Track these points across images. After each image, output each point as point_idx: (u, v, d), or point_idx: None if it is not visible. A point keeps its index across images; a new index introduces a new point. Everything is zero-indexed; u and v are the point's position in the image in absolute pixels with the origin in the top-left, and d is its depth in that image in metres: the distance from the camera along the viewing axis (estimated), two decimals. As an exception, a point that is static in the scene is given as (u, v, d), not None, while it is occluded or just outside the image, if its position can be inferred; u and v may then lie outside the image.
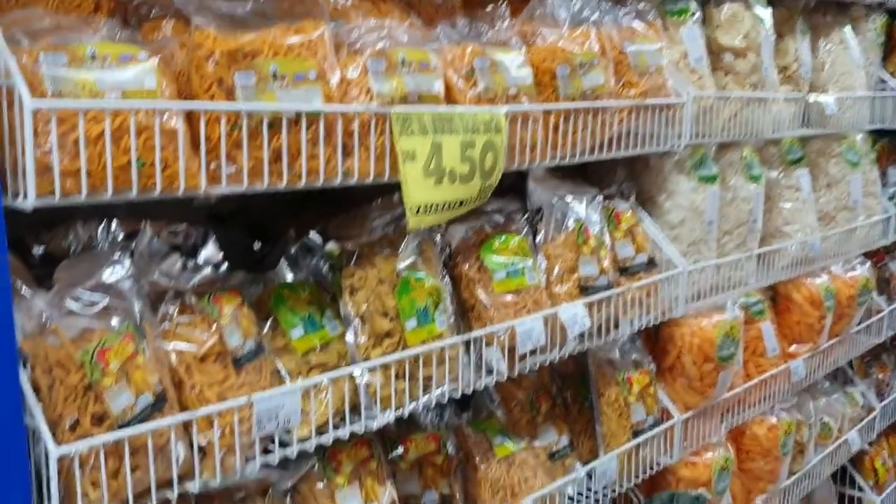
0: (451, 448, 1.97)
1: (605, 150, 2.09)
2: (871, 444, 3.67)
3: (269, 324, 1.61)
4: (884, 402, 3.66)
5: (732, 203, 2.62)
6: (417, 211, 1.57)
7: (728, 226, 2.61)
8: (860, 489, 3.66)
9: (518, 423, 2.19)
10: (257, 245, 1.87)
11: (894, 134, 3.70)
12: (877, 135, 3.59)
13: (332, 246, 1.65)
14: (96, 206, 1.45)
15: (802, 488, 3.09)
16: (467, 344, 1.82)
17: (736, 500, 2.75)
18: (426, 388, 1.71)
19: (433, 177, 1.59)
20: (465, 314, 1.90)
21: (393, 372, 1.63)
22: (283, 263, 1.75)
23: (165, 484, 1.32)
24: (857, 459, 3.71)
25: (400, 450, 1.90)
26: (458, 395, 1.78)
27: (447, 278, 1.85)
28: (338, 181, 1.49)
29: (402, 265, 1.69)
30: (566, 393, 2.38)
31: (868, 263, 3.33)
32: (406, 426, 1.99)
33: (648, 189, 2.47)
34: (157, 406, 1.29)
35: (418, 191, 1.57)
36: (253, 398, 1.38)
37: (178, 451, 1.32)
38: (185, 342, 1.41)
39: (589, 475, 2.17)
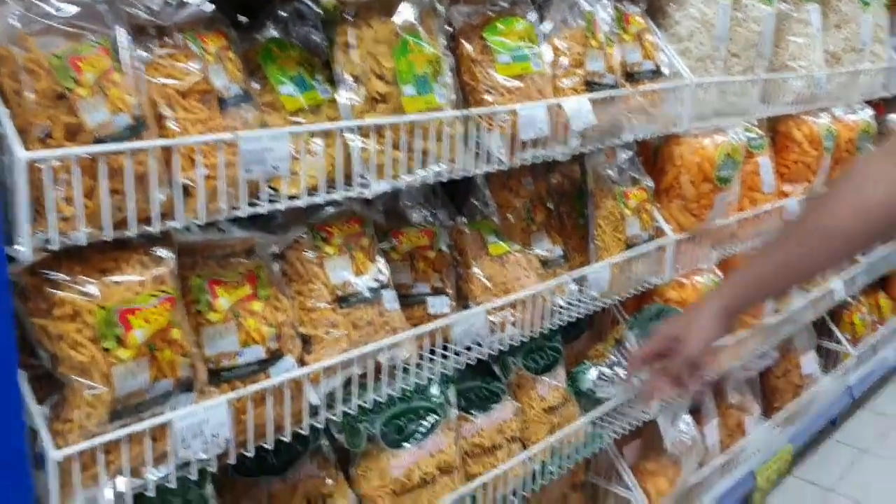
0: (443, 245, 1.91)
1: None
2: (852, 297, 3.68)
3: (256, 78, 1.50)
4: (869, 259, 3.64)
5: (743, 24, 2.49)
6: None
7: (737, 48, 2.49)
8: (837, 342, 3.70)
9: (512, 229, 2.12)
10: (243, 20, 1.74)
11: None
12: (890, -19, 3.44)
13: (326, -3, 1.52)
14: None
15: (785, 331, 3.10)
16: (467, 128, 1.73)
17: (721, 332, 2.74)
18: (423, 164, 1.62)
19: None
20: (466, 100, 1.80)
21: (388, 139, 1.53)
22: (271, 26, 1.62)
23: (146, 220, 1.23)
24: (837, 314, 3.74)
25: (392, 241, 1.83)
26: (456, 175, 1.69)
27: (449, 55, 1.73)
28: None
29: (400, 23, 1.56)
30: (562, 208, 2.31)
31: (870, 110, 3.24)
32: (398, 222, 1.92)
33: (659, -1, 2.34)
34: (137, 130, 1.19)
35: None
36: (239, 135, 1.28)
37: (159, 188, 1.22)
38: (166, 76, 1.29)
39: (580, 284, 2.12)
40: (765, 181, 2.75)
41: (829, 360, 3.69)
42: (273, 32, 1.59)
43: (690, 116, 2.29)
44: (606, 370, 2.25)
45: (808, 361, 3.42)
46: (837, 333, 3.71)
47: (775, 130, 2.96)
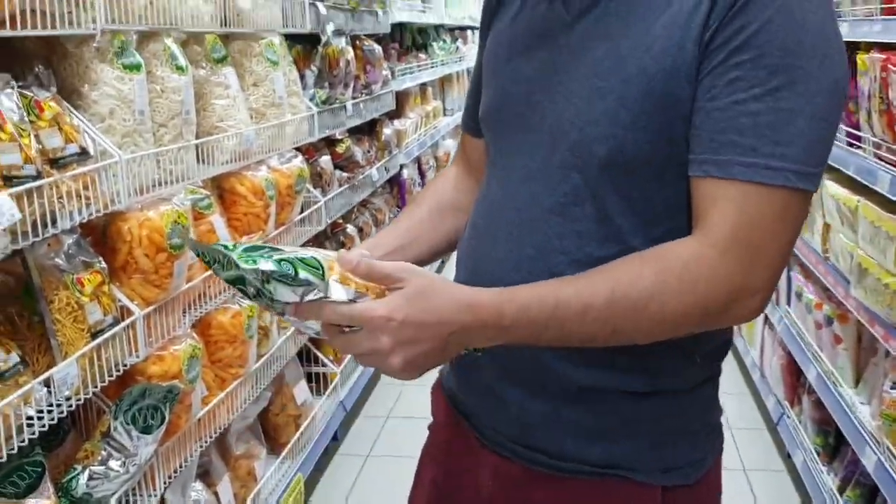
0: None
1: (11, 27, 1.86)
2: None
3: None
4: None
5: (163, 95, 2.57)
6: None
7: (162, 118, 2.57)
8: (323, 364, 4.04)
9: (-50, 349, 1.88)
10: None
11: (305, 40, 4.03)
12: (291, 41, 3.86)
13: None
14: None
15: (273, 370, 3.29)
16: None
17: (212, 391, 2.80)
18: None
19: None
20: None
21: None
22: None
23: None
24: (317, 340, 4.08)
25: None
26: None
27: None
28: None
29: None
30: (10, 310, 2.13)
31: (301, 157, 3.60)
32: None
33: (72, 81, 2.29)
34: None
35: None
36: None
37: None
38: None
39: (48, 386, 1.98)
40: (221, 237, 2.88)
41: (319, 383, 4.02)
42: None
43: (129, 191, 2.29)
44: (99, 468, 2.13)
45: (301, 390, 3.68)
46: (321, 357, 4.05)
47: (221, 188, 3.11)
